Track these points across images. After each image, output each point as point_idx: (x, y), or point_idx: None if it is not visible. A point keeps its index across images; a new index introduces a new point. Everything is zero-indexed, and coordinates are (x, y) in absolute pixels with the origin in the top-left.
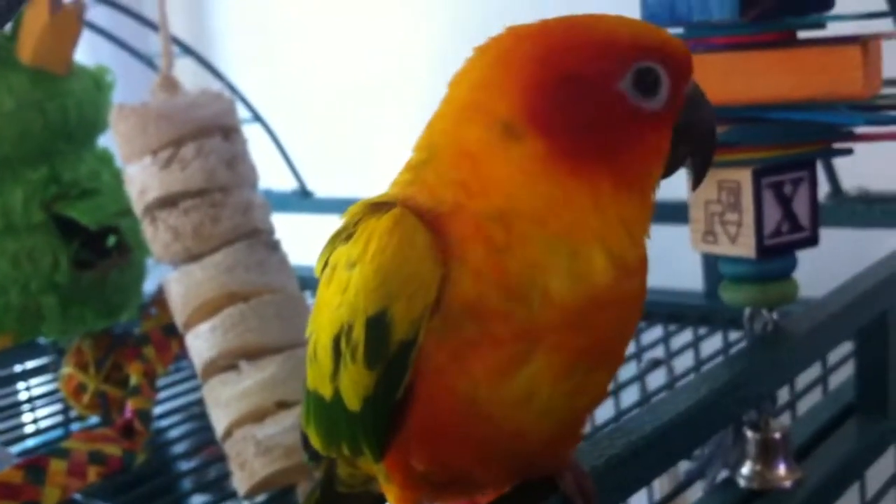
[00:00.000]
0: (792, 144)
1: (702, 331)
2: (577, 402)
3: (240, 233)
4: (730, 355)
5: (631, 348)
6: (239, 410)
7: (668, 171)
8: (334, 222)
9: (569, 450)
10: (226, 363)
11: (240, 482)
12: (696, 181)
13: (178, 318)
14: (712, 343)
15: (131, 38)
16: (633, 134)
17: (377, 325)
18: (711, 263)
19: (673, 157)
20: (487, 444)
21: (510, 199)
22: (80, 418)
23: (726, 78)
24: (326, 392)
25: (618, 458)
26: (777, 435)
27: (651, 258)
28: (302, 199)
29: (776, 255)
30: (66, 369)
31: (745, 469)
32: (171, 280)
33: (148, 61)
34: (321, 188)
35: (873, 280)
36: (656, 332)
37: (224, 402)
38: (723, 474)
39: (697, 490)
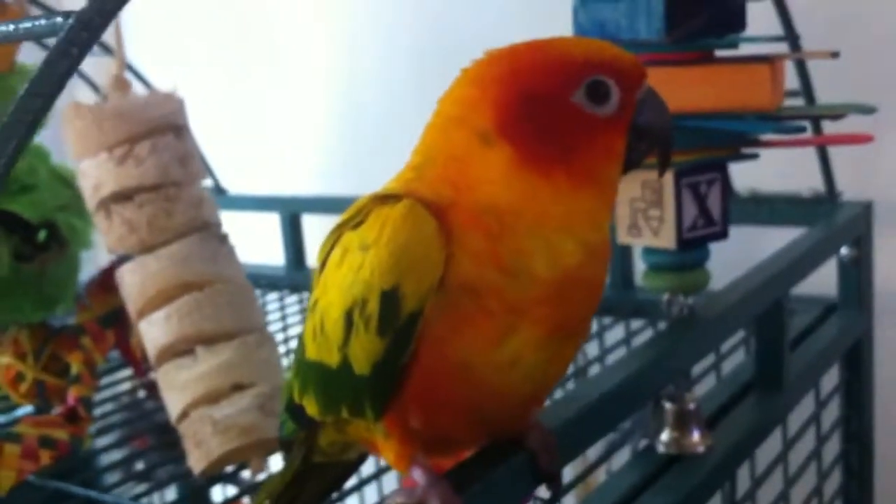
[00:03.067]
0: (707, 149)
1: (606, 320)
2: (551, 370)
3: (192, 226)
4: (654, 336)
5: None
6: (195, 393)
7: (632, 165)
8: (248, 219)
9: (535, 412)
10: (181, 348)
11: (196, 460)
12: (661, 170)
13: (132, 307)
14: (616, 332)
15: None
16: (587, 138)
17: (390, 299)
18: (616, 258)
19: (635, 153)
20: (475, 404)
21: (491, 195)
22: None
23: None
24: (333, 360)
25: (571, 421)
26: (691, 406)
27: None
28: (216, 196)
29: (693, 246)
30: (4, 359)
31: (664, 436)
32: (126, 270)
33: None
34: (235, 186)
35: (769, 271)
36: None
37: (180, 385)
38: (643, 442)
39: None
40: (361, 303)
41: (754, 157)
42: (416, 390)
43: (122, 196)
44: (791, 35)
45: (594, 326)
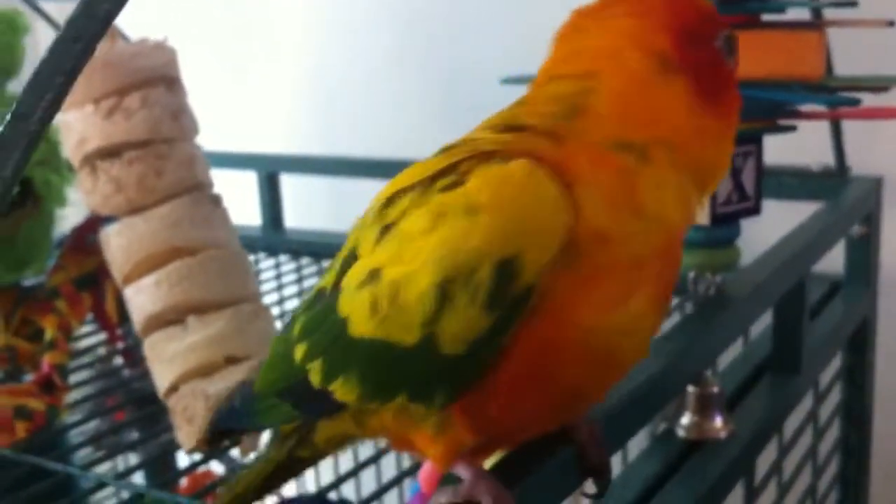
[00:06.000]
0: (744, 120)
1: None
2: (652, 336)
3: (184, 186)
4: (686, 316)
5: None
6: (186, 365)
7: None
8: (219, 176)
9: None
10: (171, 318)
11: (186, 437)
12: None
13: (117, 272)
14: None
15: None
16: (730, 85)
17: (506, 270)
18: None
19: None
20: (578, 381)
21: (662, 127)
22: None
23: None
24: (409, 339)
25: (614, 412)
26: (714, 389)
27: None
28: None
29: (725, 222)
30: None
31: (685, 420)
32: (112, 232)
33: None
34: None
35: (794, 248)
36: None
37: (169, 356)
38: (662, 426)
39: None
40: (468, 273)
41: (792, 129)
42: (514, 369)
43: (110, 152)
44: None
45: None
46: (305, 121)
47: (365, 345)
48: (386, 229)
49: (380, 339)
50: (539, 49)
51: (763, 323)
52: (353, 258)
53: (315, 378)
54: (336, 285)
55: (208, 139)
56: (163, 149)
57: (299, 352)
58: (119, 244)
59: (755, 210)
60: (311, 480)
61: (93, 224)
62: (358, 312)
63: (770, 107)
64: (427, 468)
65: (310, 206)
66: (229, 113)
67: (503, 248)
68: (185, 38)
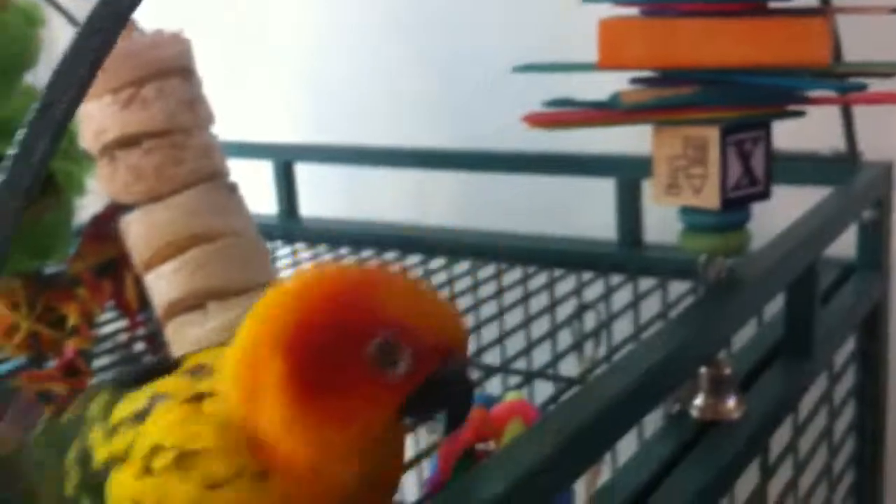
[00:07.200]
0: (753, 106)
1: (613, 280)
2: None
3: (202, 175)
4: (698, 300)
5: (544, 299)
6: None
7: (419, 419)
8: (233, 165)
9: None
10: (191, 304)
11: None
12: (445, 431)
13: (138, 258)
14: (623, 294)
15: None
16: (360, 390)
17: None
18: (623, 211)
19: (424, 409)
20: None
21: (260, 402)
22: None
23: (696, 42)
24: None
25: (627, 392)
26: (727, 371)
27: (566, 208)
28: None
29: (735, 206)
30: None
31: (698, 401)
32: (132, 220)
33: None
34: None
35: (804, 233)
36: (570, 281)
37: (191, 341)
38: (676, 406)
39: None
40: None
41: (801, 114)
42: None
43: (128, 141)
44: None
45: (600, 288)
46: (311, 110)
47: None
48: None
49: None
50: (541, 37)
51: (777, 305)
52: None
53: None
54: None
55: (220, 129)
56: (180, 138)
57: None
58: (139, 231)
59: (765, 194)
60: None
61: (112, 212)
62: None
63: (778, 93)
64: (446, 446)
65: (324, 194)
66: (234, 104)
67: None
68: (195, 27)
